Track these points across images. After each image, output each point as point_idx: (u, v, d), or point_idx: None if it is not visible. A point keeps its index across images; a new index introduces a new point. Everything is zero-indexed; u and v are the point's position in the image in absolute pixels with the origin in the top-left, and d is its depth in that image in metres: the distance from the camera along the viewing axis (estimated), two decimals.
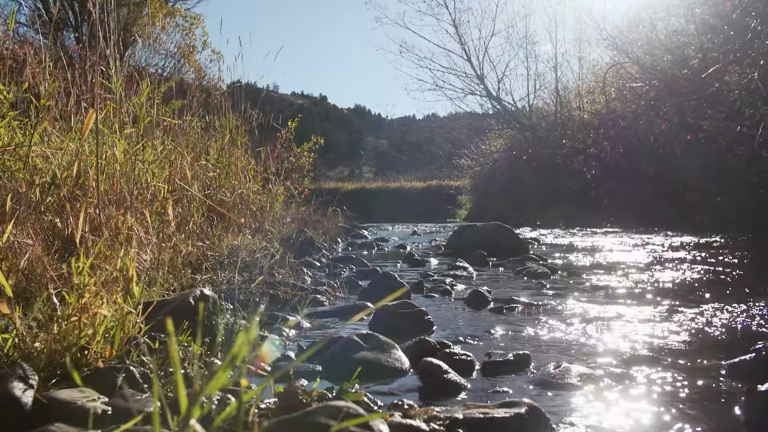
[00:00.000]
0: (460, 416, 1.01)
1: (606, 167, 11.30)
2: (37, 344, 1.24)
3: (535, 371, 1.41)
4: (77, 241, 2.06)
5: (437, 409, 1.09)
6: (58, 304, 1.29)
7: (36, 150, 2.66)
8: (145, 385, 1.20)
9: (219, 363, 1.43)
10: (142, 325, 1.40)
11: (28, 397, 1.01)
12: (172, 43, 14.51)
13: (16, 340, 1.21)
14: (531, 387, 1.30)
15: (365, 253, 5.10)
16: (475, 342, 1.73)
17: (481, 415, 1.00)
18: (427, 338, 1.56)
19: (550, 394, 1.25)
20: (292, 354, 1.53)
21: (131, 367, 1.21)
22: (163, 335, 1.45)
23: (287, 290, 2.40)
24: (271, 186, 5.56)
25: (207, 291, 1.66)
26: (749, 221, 6.87)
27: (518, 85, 35.08)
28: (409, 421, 0.95)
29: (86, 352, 1.23)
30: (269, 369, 1.39)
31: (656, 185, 9.96)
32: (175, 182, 3.32)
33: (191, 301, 1.60)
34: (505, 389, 1.29)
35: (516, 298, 2.38)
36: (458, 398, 1.24)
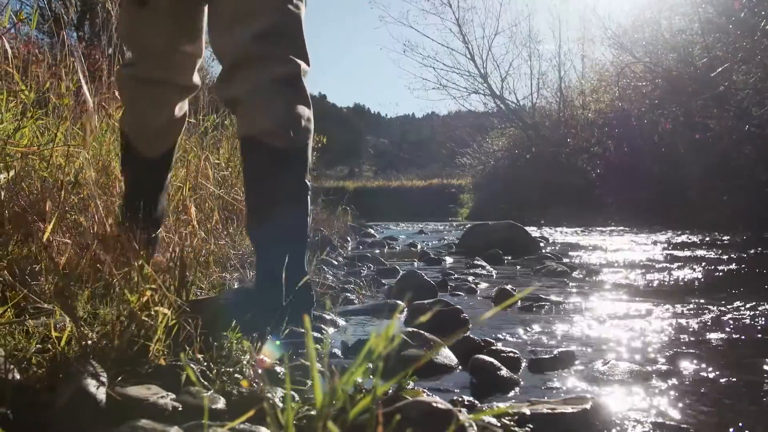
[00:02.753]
0: (528, 412, 1.02)
1: (610, 166, 11.34)
2: (91, 342, 1.25)
3: (581, 368, 1.43)
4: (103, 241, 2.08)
5: (502, 405, 1.11)
6: (114, 302, 1.30)
7: (58, 149, 2.67)
8: (206, 382, 1.21)
9: (266, 359, 1.44)
10: (190, 323, 1.41)
11: (101, 394, 1.02)
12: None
13: (77, 336, 1.22)
14: (582, 383, 1.32)
15: (377, 251, 5.12)
16: (514, 339, 1.75)
17: (549, 411, 1.02)
18: (471, 336, 1.57)
19: (602, 390, 1.27)
20: (338, 351, 1.55)
21: (192, 364, 1.22)
22: (210, 332, 1.46)
23: (316, 289, 2.42)
24: None
25: (251, 288, 1.68)
26: (756, 220, 6.91)
27: (521, 84, 35.40)
28: (480, 417, 0.96)
29: (144, 349, 1.24)
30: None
31: (660, 184, 10.00)
32: (195, 180, 3.33)
33: (236, 298, 1.61)
34: (557, 385, 1.31)
35: (543, 297, 2.40)
36: (511, 394, 1.26)
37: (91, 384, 1.02)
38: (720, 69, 7.01)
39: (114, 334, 1.21)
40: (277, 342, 1.61)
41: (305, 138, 1.47)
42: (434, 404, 0.80)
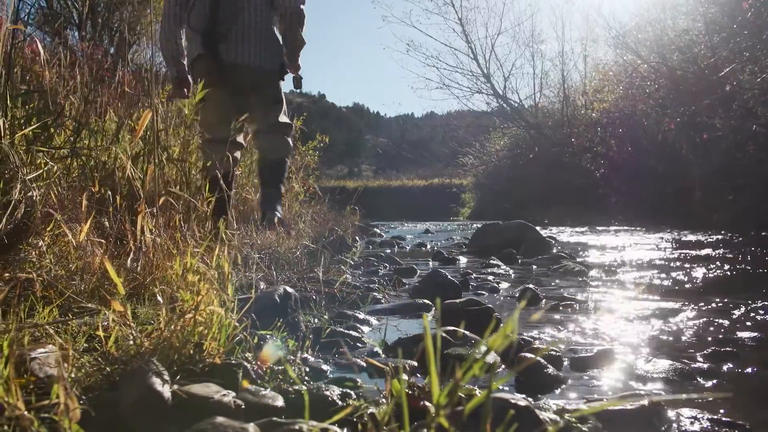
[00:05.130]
0: (587, 409, 1.04)
1: (614, 165, 11.37)
2: (144, 341, 1.26)
3: (623, 365, 1.45)
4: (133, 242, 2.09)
5: (559, 402, 1.12)
6: (162, 302, 1.31)
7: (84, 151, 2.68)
8: (259, 381, 1.23)
9: (310, 358, 1.46)
10: (237, 323, 1.43)
11: (167, 392, 1.03)
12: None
13: (131, 336, 1.23)
14: (628, 381, 1.34)
15: (388, 251, 5.13)
16: (548, 338, 1.77)
17: (609, 408, 1.03)
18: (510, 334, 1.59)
19: (649, 387, 1.28)
20: (379, 350, 1.56)
21: (245, 363, 1.23)
22: (258, 332, 1.48)
23: (342, 288, 2.43)
24: (293, 184, 5.61)
25: (289, 289, 1.69)
26: (763, 219, 6.93)
27: (524, 84, 35.63)
28: (546, 415, 0.98)
29: (199, 348, 1.26)
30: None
31: (664, 183, 10.03)
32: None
33: (276, 298, 1.63)
34: (603, 383, 1.32)
35: (567, 296, 2.42)
36: (561, 392, 1.27)
37: (157, 382, 1.04)
38: (727, 69, 7.03)
39: (163, 333, 1.22)
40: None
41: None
42: (512, 400, 0.82)
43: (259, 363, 1.34)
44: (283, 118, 3.55)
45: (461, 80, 18.31)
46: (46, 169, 1.98)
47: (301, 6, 3.43)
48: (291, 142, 3.65)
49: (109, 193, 2.41)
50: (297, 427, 0.79)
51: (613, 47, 11.73)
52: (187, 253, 2.18)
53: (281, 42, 3.47)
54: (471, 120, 20.09)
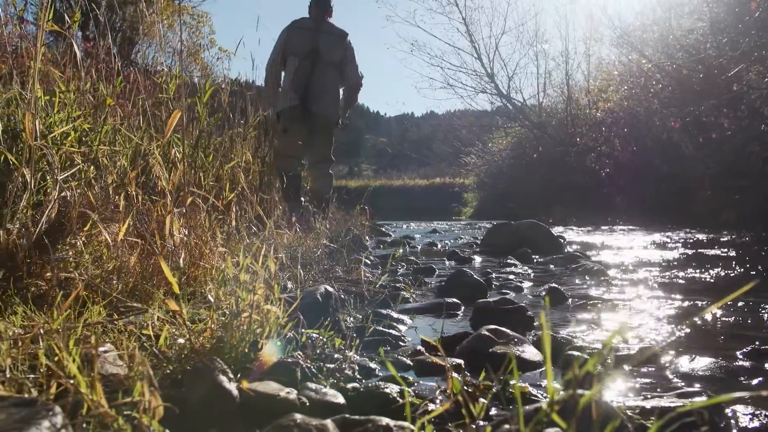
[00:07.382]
0: (648, 406, 1.06)
1: (618, 165, 11.38)
2: (200, 339, 1.28)
3: (666, 363, 1.46)
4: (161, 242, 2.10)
5: (613, 399, 1.14)
6: (213, 301, 1.33)
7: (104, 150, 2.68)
8: (314, 379, 1.24)
9: (356, 356, 1.47)
10: (282, 322, 1.44)
11: (234, 389, 1.05)
12: (178, 42, 14.46)
13: (187, 334, 1.25)
14: (674, 378, 1.35)
15: (400, 251, 5.14)
16: (584, 336, 1.78)
17: (670, 404, 1.05)
18: (551, 333, 1.60)
19: (699, 385, 1.30)
20: (421, 348, 1.58)
21: (300, 361, 1.25)
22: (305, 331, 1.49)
23: (369, 287, 2.45)
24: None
25: (330, 288, 1.71)
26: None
27: (528, 83, 35.77)
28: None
29: (254, 346, 1.27)
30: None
31: (669, 183, 10.04)
32: (236, 179, 3.36)
33: (318, 297, 1.64)
34: (649, 380, 1.34)
35: (593, 295, 2.43)
36: (611, 389, 1.29)
37: (224, 380, 1.05)
38: (736, 69, 7.05)
39: (216, 332, 1.23)
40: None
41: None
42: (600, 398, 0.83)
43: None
44: (330, 153, 5.27)
45: (465, 80, 18.33)
46: (84, 168, 1.99)
47: (361, 80, 5.29)
48: (332, 175, 5.44)
49: (134, 192, 2.42)
50: (384, 423, 0.81)
51: (617, 46, 11.76)
52: (214, 251, 2.19)
53: (341, 101, 5.33)
54: (473, 120, 20.11)
